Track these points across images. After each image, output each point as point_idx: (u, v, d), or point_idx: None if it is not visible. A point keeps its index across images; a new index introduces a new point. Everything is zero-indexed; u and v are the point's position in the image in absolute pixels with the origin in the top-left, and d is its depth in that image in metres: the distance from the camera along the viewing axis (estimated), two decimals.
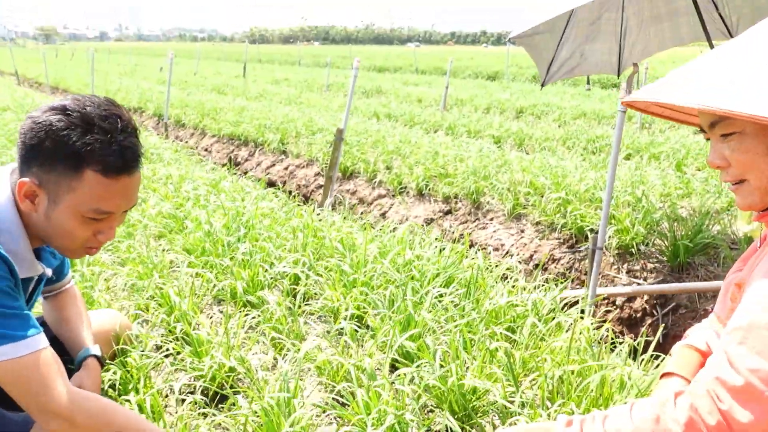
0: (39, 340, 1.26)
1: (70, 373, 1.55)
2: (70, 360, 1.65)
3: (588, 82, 14.76)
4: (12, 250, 1.28)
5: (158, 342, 2.15)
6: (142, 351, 2.01)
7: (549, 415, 1.64)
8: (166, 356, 2.07)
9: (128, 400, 1.77)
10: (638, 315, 3.50)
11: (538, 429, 1.12)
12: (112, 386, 1.88)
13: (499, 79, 19.49)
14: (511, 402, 1.73)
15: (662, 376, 1.38)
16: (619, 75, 4.14)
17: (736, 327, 1.01)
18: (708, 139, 1.17)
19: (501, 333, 2.07)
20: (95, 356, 1.63)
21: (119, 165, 1.27)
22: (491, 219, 4.63)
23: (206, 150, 8.52)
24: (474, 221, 4.70)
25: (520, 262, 4.09)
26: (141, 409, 1.74)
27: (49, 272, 1.49)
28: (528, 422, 1.60)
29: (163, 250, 2.94)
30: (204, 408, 1.81)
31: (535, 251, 4.14)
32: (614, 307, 3.59)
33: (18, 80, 19.51)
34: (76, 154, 1.23)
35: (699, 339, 1.41)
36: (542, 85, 4.05)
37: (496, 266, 2.87)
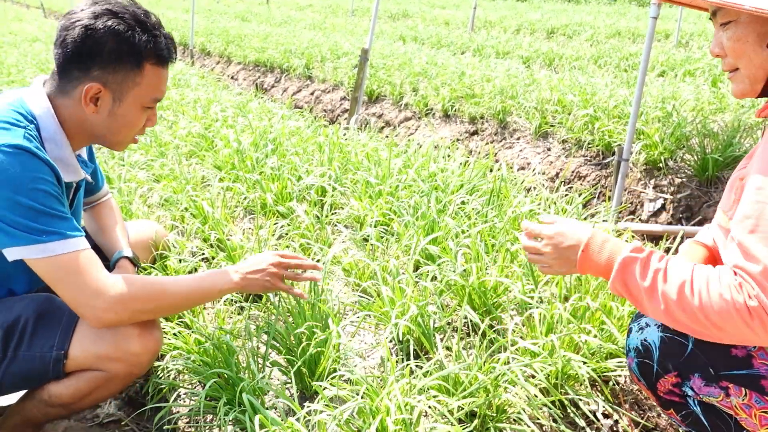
0: (83, 241, 1.35)
1: None
2: (108, 267, 1.77)
3: None
4: (58, 157, 1.38)
5: (194, 249, 2.27)
6: (180, 256, 2.13)
7: (565, 308, 1.71)
8: (203, 260, 2.19)
9: None
10: None
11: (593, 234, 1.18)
12: None
13: (530, 0, 18.70)
14: (530, 298, 1.80)
15: None
16: None
17: (745, 215, 1.04)
18: None
19: None
20: (127, 257, 1.72)
21: (169, 55, 1.43)
22: (518, 138, 4.60)
23: (232, 77, 8.52)
24: (500, 141, 4.68)
25: (546, 180, 4.10)
26: None
27: (88, 177, 1.59)
28: (545, 313, 1.68)
29: (195, 167, 3.04)
30: (240, 304, 1.93)
31: (561, 169, 4.13)
32: (640, 222, 3.60)
33: (44, 13, 19.47)
34: (138, 53, 1.36)
35: (706, 235, 1.45)
36: None
37: (522, 182, 2.90)
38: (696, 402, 1.25)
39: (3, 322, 1.38)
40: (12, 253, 1.28)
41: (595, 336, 1.65)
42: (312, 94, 6.93)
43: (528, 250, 1.27)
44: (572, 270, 1.21)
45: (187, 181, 2.72)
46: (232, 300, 1.98)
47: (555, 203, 2.48)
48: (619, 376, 1.72)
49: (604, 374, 1.68)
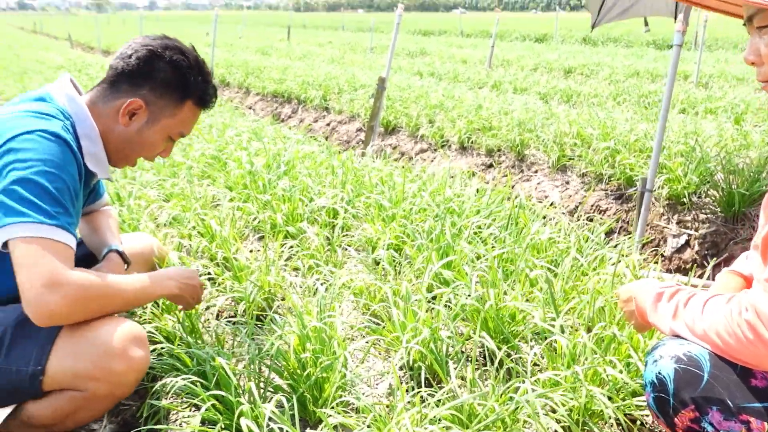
0: (73, 242, 1.28)
1: None
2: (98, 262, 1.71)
3: (645, 24, 14.07)
4: (92, 152, 1.46)
5: (199, 267, 2.18)
6: None
7: (589, 338, 1.59)
8: (208, 279, 2.11)
9: (171, 318, 1.81)
10: (687, 266, 3.38)
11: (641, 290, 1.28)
12: (155, 304, 1.93)
13: (548, 42, 18.90)
14: (552, 326, 1.69)
15: None
16: (675, 17, 3.92)
17: None
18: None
19: (542, 266, 2.02)
20: (116, 251, 1.68)
21: (209, 102, 1.60)
22: (535, 171, 4.52)
23: (250, 108, 8.59)
24: (518, 173, 4.60)
25: (564, 214, 3.99)
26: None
27: (109, 177, 1.63)
28: (569, 343, 1.56)
29: (206, 188, 2.98)
30: (245, 325, 1.83)
31: (579, 203, 4.03)
32: (663, 258, 3.47)
33: (71, 44, 20.00)
34: (187, 89, 1.52)
35: (742, 265, 1.36)
36: (593, 27, 3.87)
37: (540, 211, 2.80)
38: None
39: None
40: (7, 231, 1.21)
41: (621, 371, 1.53)
42: (328, 125, 6.94)
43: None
44: (640, 322, 1.31)
45: (196, 199, 2.66)
46: (233, 322, 1.88)
47: (575, 231, 2.38)
48: (647, 415, 1.59)
49: (631, 413, 1.54)
